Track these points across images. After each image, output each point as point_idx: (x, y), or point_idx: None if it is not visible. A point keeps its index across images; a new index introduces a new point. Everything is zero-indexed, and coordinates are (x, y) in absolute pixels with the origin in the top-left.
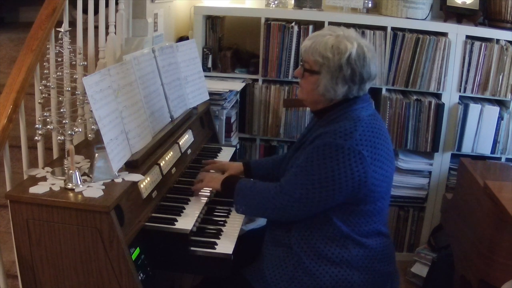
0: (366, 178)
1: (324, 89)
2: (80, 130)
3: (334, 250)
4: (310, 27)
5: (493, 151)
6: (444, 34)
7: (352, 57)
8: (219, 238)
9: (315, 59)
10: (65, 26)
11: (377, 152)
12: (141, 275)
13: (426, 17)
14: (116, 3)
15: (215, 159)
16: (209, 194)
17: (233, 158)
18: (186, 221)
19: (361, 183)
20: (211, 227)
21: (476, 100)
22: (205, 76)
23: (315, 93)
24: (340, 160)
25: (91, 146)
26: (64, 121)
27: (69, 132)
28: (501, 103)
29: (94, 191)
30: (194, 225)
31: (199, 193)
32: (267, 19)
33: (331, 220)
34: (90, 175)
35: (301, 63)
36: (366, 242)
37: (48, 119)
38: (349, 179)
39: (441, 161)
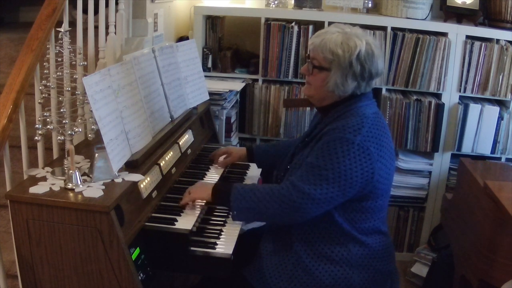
0: (373, 175)
1: (334, 85)
2: (80, 130)
3: (334, 249)
4: (310, 27)
5: (493, 151)
6: (444, 34)
7: (361, 54)
8: (219, 238)
9: (324, 56)
10: (65, 26)
11: (382, 150)
12: (141, 275)
13: (426, 17)
14: (116, 3)
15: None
16: (202, 204)
17: None
18: (186, 221)
19: (369, 179)
20: (211, 227)
21: (476, 100)
22: (205, 76)
23: (324, 89)
24: (351, 155)
25: (91, 146)
26: (64, 121)
27: (69, 132)
28: (501, 103)
29: (94, 191)
30: (194, 225)
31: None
32: (267, 19)
33: (333, 217)
34: (90, 175)
35: (308, 60)
36: (366, 240)
37: (48, 119)
38: (359, 175)
39: (441, 161)
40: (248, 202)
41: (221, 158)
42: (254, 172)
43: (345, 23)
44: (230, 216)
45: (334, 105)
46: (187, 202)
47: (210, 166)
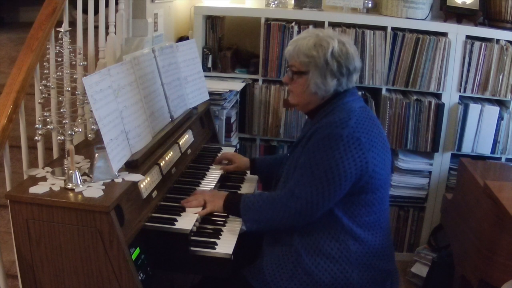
0: (367, 164)
1: (315, 87)
2: (80, 130)
3: (333, 246)
4: (310, 27)
5: (493, 151)
6: (444, 34)
7: (335, 51)
8: (219, 238)
9: (301, 60)
10: (65, 26)
11: (373, 140)
12: (141, 275)
13: (426, 17)
14: (116, 3)
15: (223, 153)
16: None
17: None
18: (186, 221)
19: (363, 169)
20: (211, 227)
21: (476, 100)
22: (205, 76)
23: (306, 93)
24: (341, 149)
25: (91, 146)
26: (64, 121)
27: (69, 132)
28: (501, 103)
29: (94, 191)
30: (194, 225)
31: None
32: (267, 19)
33: (333, 211)
34: (90, 175)
35: (287, 69)
36: (366, 238)
37: (48, 119)
38: (352, 166)
39: (441, 161)
40: (256, 214)
41: (224, 162)
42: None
43: (340, 25)
44: (230, 216)
45: (321, 106)
46: (203, 214)
47: (210, 166)
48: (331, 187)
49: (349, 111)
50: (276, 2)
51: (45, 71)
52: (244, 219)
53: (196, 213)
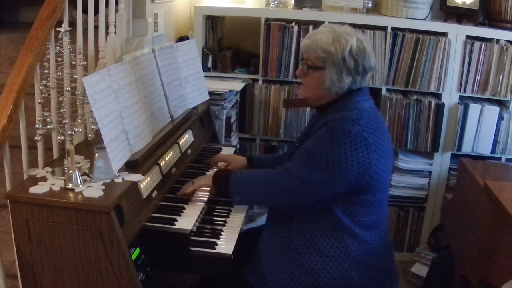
0: (370, 165)
1: (330, 83)
2: (80, 130)
3: (332, 244)
4: (310, 27)
5: (493, 151)
6: (444, 34)
7: (353, 49)
8: (219, 238)
9: (317, 55)
10: (65, 26)
11: (380, 142)
12: (141, 275)
13: (426, 17)
14: (116, 3)
15: (218, 155)
16: (206, 197)
17: None
18: (186, 221)
19: (365, 169)
20: (211, 227)
21: (476, 100)
22: (205, 76)
23: (320, 88)
24: (347, 145)
25: (91, 146)
26: (64, 121)
27: (69, 132)
28: (501, 103)
29: (94, 191)
30: (194, 225)
31: (197, 196)
32: (267, 19)
33: (332, 209)
34: (90, 175)
35: (302, 62)
36: (365, 237)
37: (48, 119)
38: (354, 164)
39: (441, 161)
40: (245, 186)
41: (220, 164)
42: None
43: (335, 23)
44: (230, 216)
45: (332, 102)
46: (192, 190)
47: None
48: (330, 177)
49: (361, 110)
50: (276, 2)
51: (45, 71)
52: (232, 191)
53: (185, 193)
